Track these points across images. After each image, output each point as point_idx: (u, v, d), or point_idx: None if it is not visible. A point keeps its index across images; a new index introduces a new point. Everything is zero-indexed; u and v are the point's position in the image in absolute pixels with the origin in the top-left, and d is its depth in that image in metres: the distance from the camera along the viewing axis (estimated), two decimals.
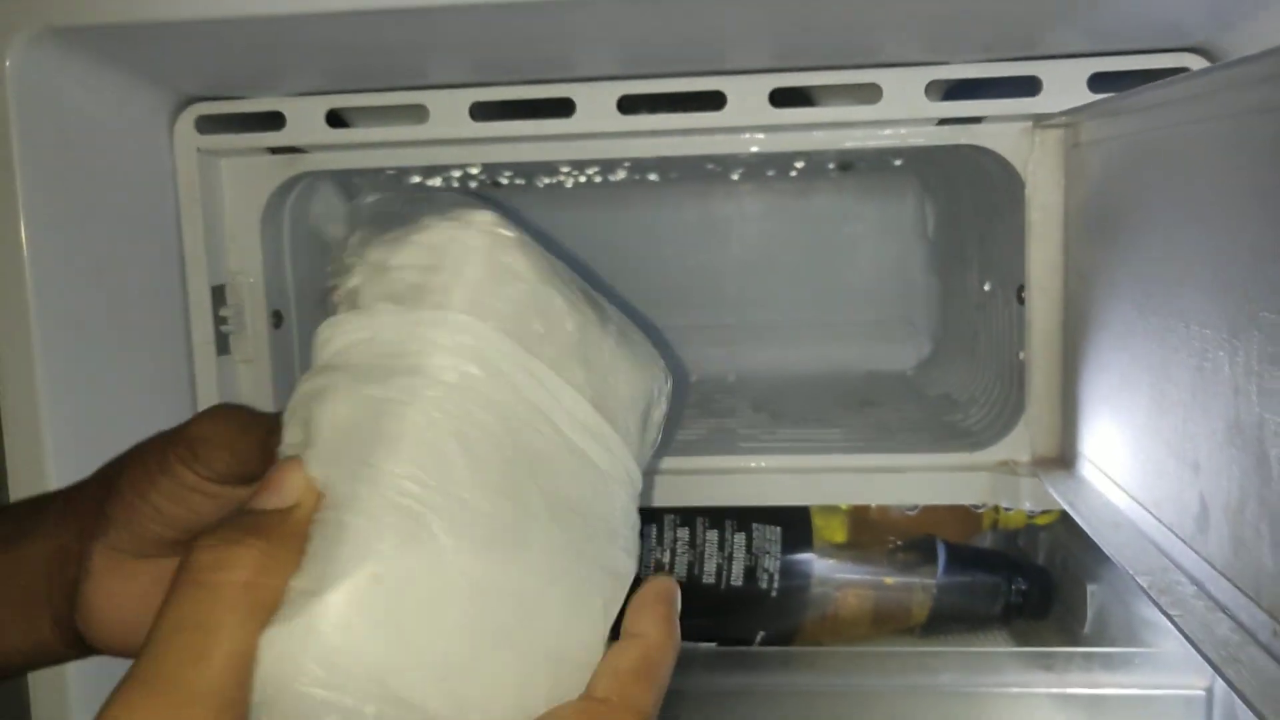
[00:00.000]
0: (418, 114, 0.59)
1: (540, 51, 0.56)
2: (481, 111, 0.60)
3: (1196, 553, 0.40)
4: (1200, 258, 0.40)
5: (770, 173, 0.91)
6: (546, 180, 0.89)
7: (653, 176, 0.90)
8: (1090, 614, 0.73)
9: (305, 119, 0.60)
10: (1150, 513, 0.46)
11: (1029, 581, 0.77)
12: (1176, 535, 0.43)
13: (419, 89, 0.59)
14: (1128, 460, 0.49)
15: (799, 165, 0.83)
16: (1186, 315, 0.41)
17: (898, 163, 0.84)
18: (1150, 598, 0.39)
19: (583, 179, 0.88)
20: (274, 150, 0.63)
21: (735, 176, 0.93)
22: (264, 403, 0.65)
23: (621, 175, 0.85)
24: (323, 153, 0.63)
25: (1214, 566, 0.39)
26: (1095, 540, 0.47)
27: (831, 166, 0.87)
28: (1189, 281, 0.41)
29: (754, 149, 0.60)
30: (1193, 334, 0.41)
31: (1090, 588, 0.73)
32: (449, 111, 0.59)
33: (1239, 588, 0.37)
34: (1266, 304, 0.34)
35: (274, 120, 0.60)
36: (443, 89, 0.59)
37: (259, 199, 0.63)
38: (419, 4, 0.48)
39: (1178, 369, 0.42)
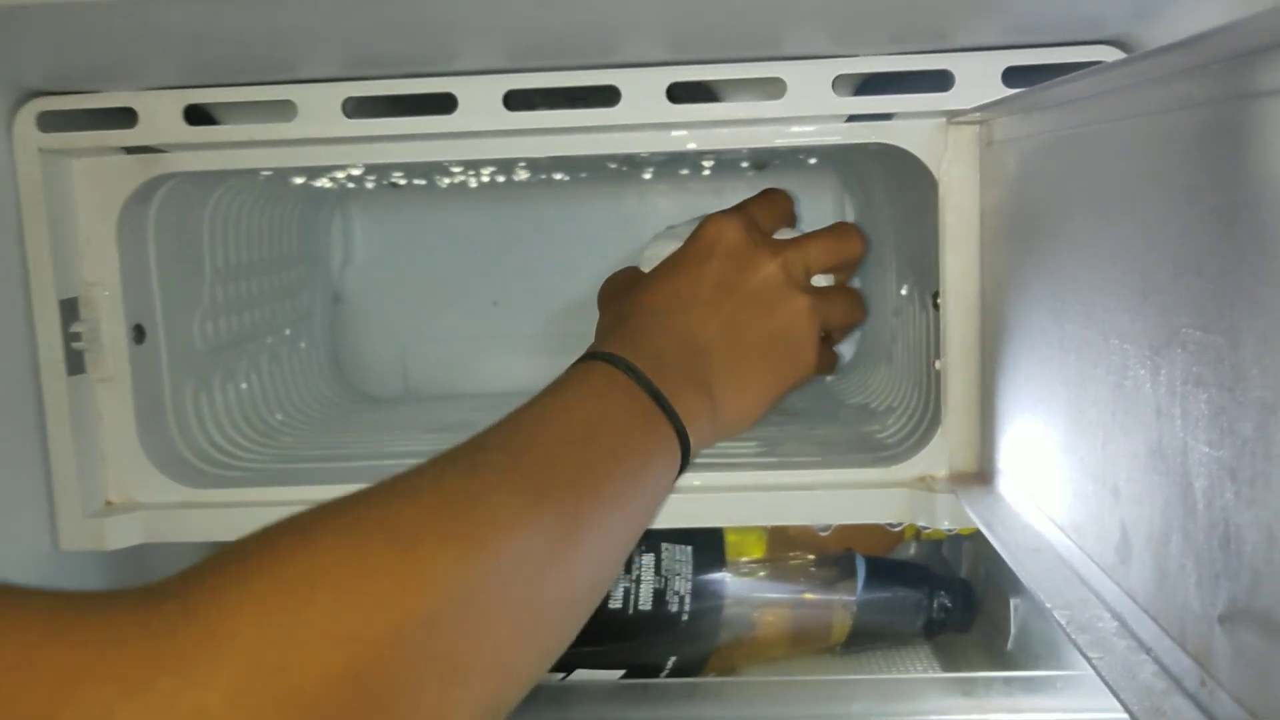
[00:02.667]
0: (286, 110, 0.54)
1: (417, 42, 0.52)
2: (359, 108, 0.56)
3: (1118, 585, 0.37)
4: (1118, 267, 0.37)
5: (684, 171, 0.87)
6: (448, 180, 0.85)
7: (559, 176, 0.85)
8: (1014, 628, 0.70)
9: (160, 115, 0.54)
10: (1070, 538, 0.42)
11: (951, 595, 0.74)
12: (1097, 564, 0.40)
13: (287, 83, 0.55)
14: (1047, 480, 0.46)
15: (708, 165, 0.79)
16: (1105, 328, 0.38)
17: (812, 161, 0.81)
18: (1068, 636, 0.36)
19: (485, 178, 0.83)
20: (130, 150, 0.57)
21: (647, 175, 0.89)
22: (125, 425, 0.59)
23: (524, 175, 0.81)
24: (185, 153, 0.57)
25: (1136, 601, 0.36)
26: (1012, 567, 0.44)
27: (745, 165, 0.83)
28: (1107, 292, 0.38)
29: (653, 149, 0.56)
30: (1112, 348, 0.37)
31: (1014, 601, 0.70)
32: (320, 108, 0.54)
33: (1163, 628, 0.34)
34: (1190, 319, 0.31)
35: (126, 117, 0.55)
36: (314, 83, 0.55)
37: (114, 203, 0.58)
38: None
39: (1096, 385, 0.39)
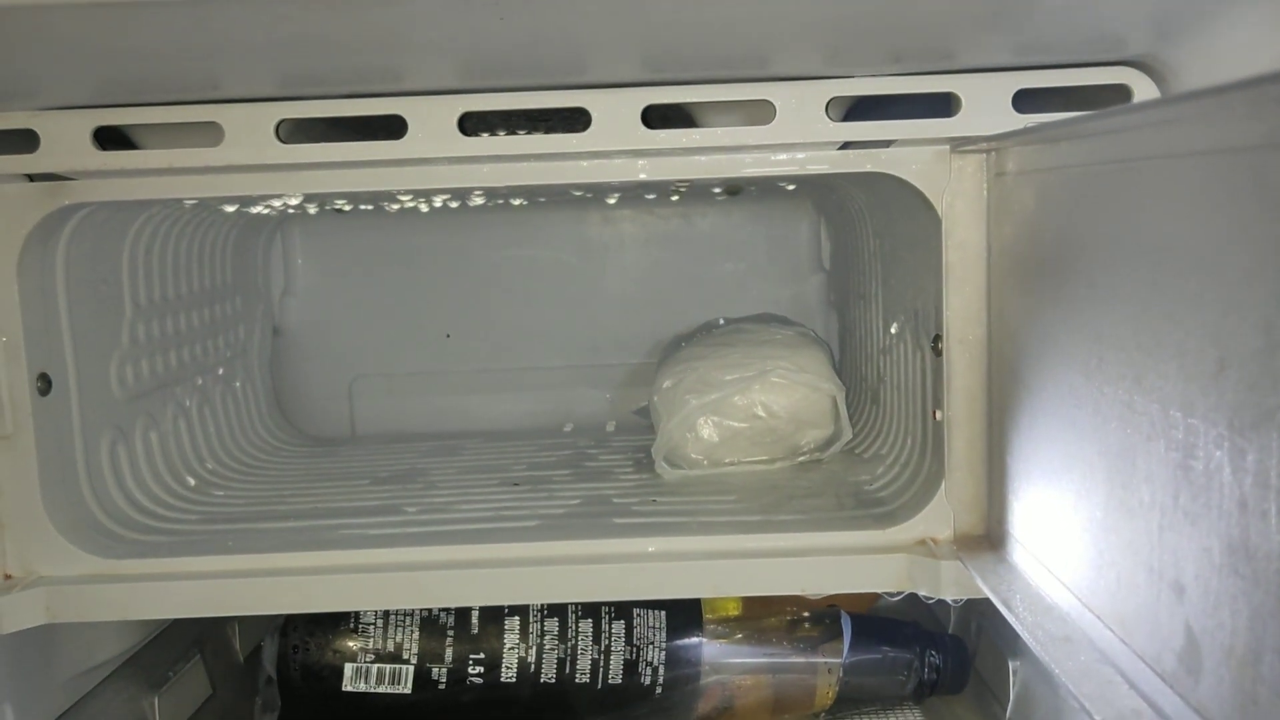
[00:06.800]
0: (211, 133, 0.48)
1: (360, 57, 0.45)
2: (296, 131, 0.49)
3: (1182, 698, 0.32)
4: (1181, 329, 0.32)
5: (650, 195, 0.82)
6: (397, 205, 0.78)
7: (517, 200, 0.79)
8: (1013, 693, 0.65)
9: (66, 138, 0.48)
10: (1112, 630, 0.37)
11: (943, 654, 0.68)
12: (1151, 667, 0.34)
13: (213, 103, 0.48)
14: (1077, 558, 0.40)
15: (680, 190, 0.73)
16: (1160, 396, 0.33)
17: (790, 187, 0.75)
18: None
19: (438, 203, 0.77)
20: (32, 177, 0.50)
21: (611, 200, 0.83)
22: (27, 488, 0.52)
23: (479, 200, 0.75)
24: (97, 180, 0.51)
25: None
26: (1044, 660, 0.39)
27: (717, 191, 0.78)
28: (1162, 356, 0.33)
29: (625, 178, 0.50)
30: (1171, 421, 0.32)
31: (1012, 664, 0.65)
32: (250, 131, 0.48)
33: None
34: None
35: (25, 140, 0.48)
36: (243, 103, 0.48)
37: (15, 238, 0.51)
38: None
39: (1149, 460, 0.34)
